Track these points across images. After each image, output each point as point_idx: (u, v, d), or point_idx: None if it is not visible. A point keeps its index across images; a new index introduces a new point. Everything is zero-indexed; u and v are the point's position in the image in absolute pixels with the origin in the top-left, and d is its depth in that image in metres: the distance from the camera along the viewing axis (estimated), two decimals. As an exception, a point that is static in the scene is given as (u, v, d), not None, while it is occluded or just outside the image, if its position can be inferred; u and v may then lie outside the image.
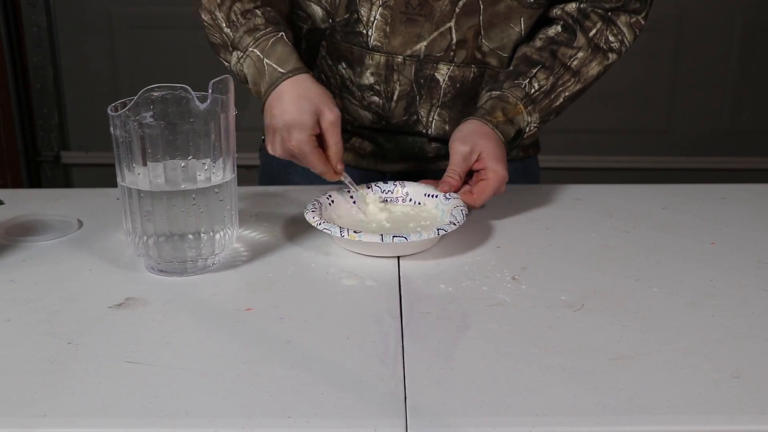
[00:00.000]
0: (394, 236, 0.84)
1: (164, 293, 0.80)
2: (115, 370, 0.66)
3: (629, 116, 2.79)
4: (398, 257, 0.88)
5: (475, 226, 0.91)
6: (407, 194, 1.00)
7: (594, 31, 1.07)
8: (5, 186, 2.69)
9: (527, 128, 1.05)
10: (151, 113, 0.81)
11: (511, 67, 1.08)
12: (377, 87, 1.09)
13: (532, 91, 1.04)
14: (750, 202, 1.07)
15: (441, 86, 1.08)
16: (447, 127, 1.11)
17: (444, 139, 1.12)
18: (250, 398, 0.62)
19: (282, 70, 0.95)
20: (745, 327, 0.74)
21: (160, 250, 0.82)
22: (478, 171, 0.99)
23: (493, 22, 1.05)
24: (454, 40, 1.05)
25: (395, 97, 1.09)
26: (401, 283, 0.83)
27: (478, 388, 0.64)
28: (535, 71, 1.05)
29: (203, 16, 1.01)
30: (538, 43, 1.08)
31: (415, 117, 1.11)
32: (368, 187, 0.99)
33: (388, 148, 1.16)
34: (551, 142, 2.84)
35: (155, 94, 0.81)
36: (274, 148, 0.97)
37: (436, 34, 1.04)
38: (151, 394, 0.63)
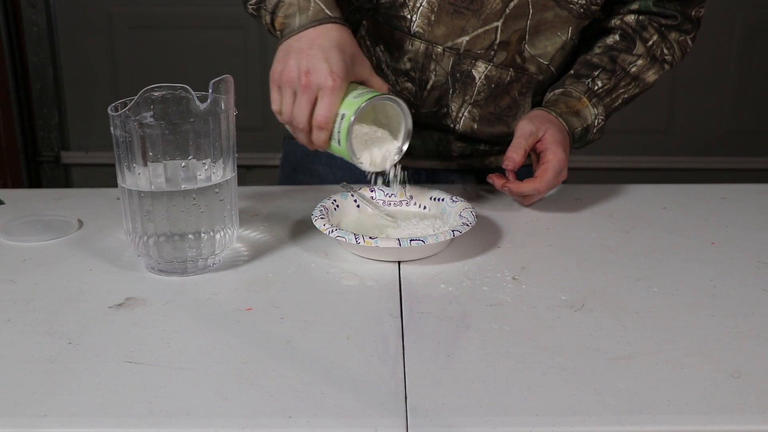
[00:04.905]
0: (411, 240, 0.84)
1: (164, 293, 0.80)
2: (115, 370, 0.66)
3: (629, 116, 2.77)
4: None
5: (475, 226, 0.91)
6: (411, 197, 0.99)
7: (651, 42, 1.11)
8: (5, 186, 2.69)
9: (595, 121, 1.08)
10: (151, 113, 0.81)
11: (572, 71, 1.11)
12: (412, 74, 1.08)
13: (596, 88, 1.09)
14: (750, 202, 1.07)
15: (476, 83, 1.08)
16: (475, 126, 1.11)
17: (470, 138, 1.13)
18: (250, 398, 0.63)
19: (330, 14, 0.92)
20: (745, 327, 0.74)
21: (161, 250, 0.82)
22: (538, 154, 1.02)
23: (540, 29, 1.06)
24: (498, 40, 1.05)
25: (429, 87, 1.08)
26: (401, 283, 0.83)
27: (478, 388, 0.64)
28: (597, 73, 1.09)
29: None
30: (597, 50, 1.11)
31: (445, 110, 1.10)
32: (371, 191, 0.99)
33: (413, 144, 1.15)
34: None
35: (155, 94, 0.81)
36: (283, 70, 0.89)
37: (480, 30, 1.04)
38: (151, 394, 0.63)
